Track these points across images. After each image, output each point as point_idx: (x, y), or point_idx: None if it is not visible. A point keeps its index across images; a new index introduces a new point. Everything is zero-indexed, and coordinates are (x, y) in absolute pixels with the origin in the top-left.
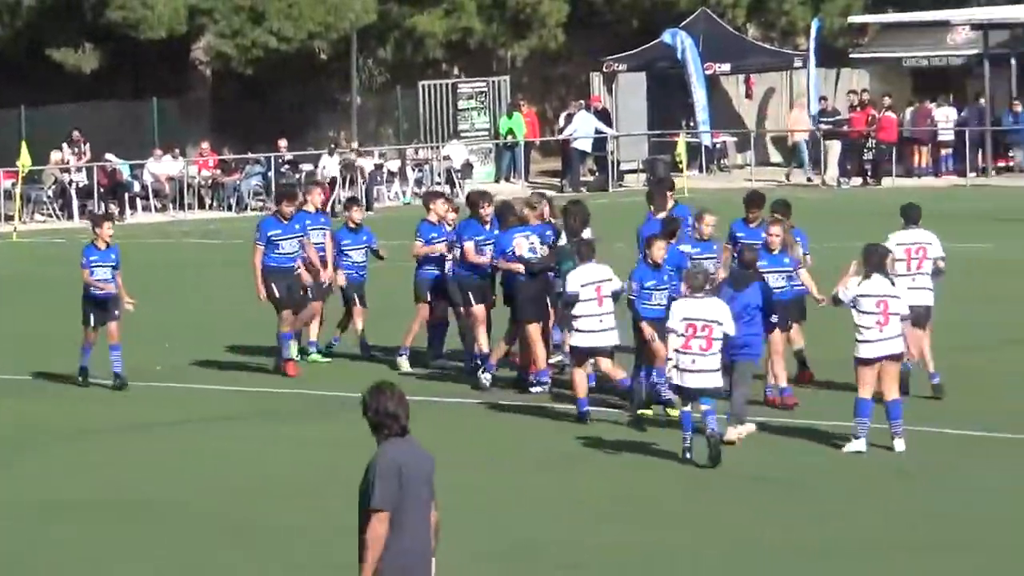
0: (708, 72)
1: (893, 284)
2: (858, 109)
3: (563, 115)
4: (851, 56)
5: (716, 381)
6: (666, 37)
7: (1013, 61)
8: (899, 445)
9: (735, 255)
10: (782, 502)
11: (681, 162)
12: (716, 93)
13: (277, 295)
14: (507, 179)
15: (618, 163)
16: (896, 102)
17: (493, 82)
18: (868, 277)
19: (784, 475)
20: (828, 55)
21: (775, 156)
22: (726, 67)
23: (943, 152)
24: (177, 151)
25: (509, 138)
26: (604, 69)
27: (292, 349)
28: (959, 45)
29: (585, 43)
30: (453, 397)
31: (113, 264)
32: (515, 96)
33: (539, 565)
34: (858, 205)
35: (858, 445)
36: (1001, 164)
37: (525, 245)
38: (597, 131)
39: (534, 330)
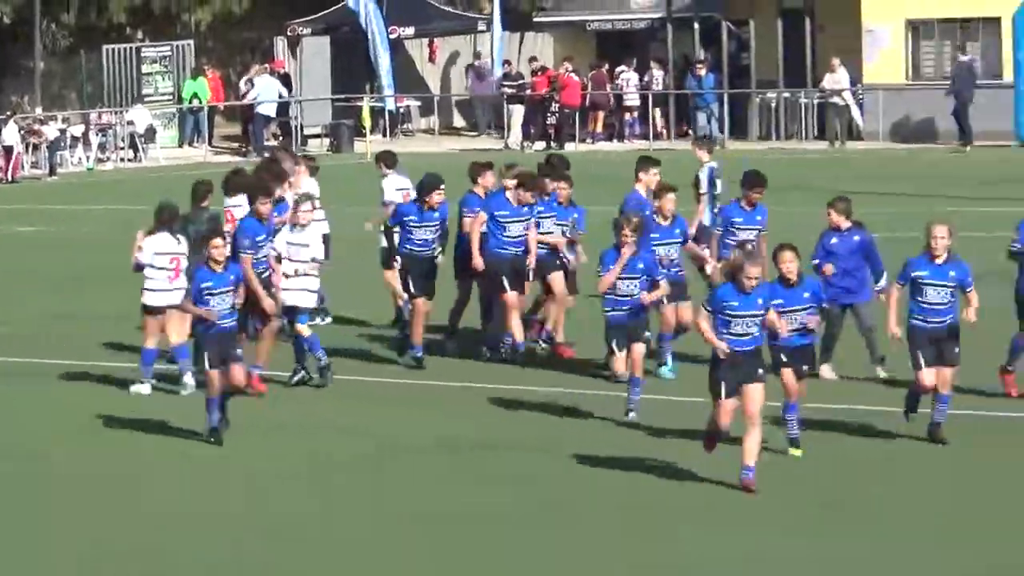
0: (392, 36)
1: (179, 242)
2: (539, 73)
3: (243, 79)
4: (535, 20)
5: None
6: (349, 1)
7: (696, 24)
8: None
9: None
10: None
11: (365, 127)
12: (400, 57)
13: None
14: (190, 144)
15: (302, 127)
16: (580, 66)
17: (177, 46)
18: (153, 233)
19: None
20: (513, 19)
21: (458, 120)
22: (410, 31)
23: (627, 116)
24: None
25: (194, 103)
26: (288, 33)
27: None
28: (643, 8)
29: (269, 7)
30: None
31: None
32: (199, 60)
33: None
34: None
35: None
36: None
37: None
38: (280, 95)
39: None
